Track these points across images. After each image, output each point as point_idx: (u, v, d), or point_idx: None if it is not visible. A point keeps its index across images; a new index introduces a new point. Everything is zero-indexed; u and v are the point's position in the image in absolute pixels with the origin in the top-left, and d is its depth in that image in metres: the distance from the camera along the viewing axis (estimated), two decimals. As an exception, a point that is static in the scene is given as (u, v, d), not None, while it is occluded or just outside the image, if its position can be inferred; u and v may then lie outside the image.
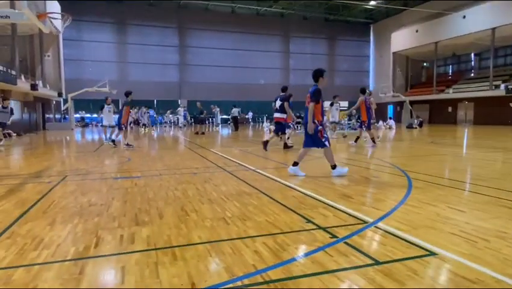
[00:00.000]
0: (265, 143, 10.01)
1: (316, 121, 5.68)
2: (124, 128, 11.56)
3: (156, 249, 2.73)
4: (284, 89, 10.51)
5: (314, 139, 5.77)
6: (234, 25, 37.85)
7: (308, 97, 5.68)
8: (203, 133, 19.51)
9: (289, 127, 12.04)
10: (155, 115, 26.34)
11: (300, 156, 5.98)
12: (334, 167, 5.85)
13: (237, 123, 24.30)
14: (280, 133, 10.52)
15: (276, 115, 10.39)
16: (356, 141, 11.54)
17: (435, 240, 2.84)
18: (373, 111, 11.84)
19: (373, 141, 11.16)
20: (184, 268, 2.38)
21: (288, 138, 12.40)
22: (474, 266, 2.36)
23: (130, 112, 12.64)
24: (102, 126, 14.66)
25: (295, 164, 5.91)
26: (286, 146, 10.42)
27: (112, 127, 13.19)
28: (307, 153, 6.15)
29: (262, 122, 34.78)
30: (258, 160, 8.29)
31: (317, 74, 5.72)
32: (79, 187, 5.23)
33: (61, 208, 4.02)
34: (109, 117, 13.04)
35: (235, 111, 25.03)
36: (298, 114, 26.77)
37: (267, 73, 39.08)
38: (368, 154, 9.59)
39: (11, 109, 14.08)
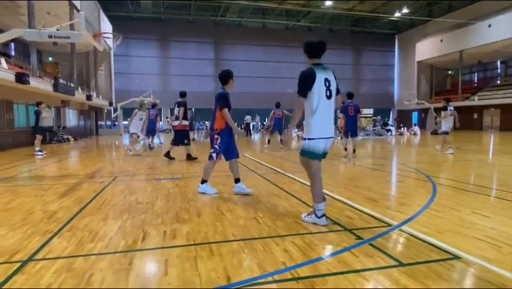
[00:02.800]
0: (167, 154, 8.91)
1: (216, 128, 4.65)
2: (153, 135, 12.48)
3: (195, 244, 2.81)
4: (183, 94, 8.78)
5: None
6: (264, 39, 38.07)
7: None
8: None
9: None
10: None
11: (234, 172, 4.81)
12: (203, 181, 4.86)
13: (249, 129, 24.65)
14: (186, 142, 8.86)
15: (176, 123, 8.81)
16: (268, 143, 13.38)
17: (460, 244, 2.72)
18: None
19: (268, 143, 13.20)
20: (220, 263, 2.43)
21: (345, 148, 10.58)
22: (499, 271, 2.25)
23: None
24: (128, 132, 13.05)
25: (236, 180, 4.80)
26: (189, 157, 8.86)
27: (135, 134, 11.67)
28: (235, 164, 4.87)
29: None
30: (286, 164, 8.27)
31: (227, 77, 4.71)
32: (128, 187, 5.45)
33: (113, 205, 4.22)
34: (139, 124, 11.75)
35: (248, 118, 25.19)
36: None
37: (295, 83, 38.54)
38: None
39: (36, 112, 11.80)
